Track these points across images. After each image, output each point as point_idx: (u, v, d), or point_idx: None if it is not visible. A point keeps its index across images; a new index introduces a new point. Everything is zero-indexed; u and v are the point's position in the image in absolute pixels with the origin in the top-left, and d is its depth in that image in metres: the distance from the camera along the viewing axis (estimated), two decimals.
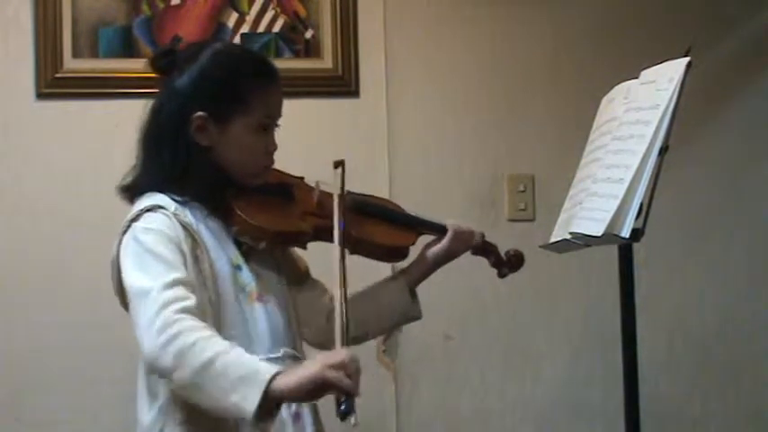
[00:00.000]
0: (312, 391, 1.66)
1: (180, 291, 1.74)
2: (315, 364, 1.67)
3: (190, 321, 1.70)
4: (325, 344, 2.12)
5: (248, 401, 1.63)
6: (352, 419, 1.65)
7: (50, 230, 2.82)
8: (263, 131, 1.95)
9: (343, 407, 1.65)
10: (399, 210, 2.19)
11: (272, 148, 1.97)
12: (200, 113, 1.90)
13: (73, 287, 2.81)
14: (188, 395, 1.73)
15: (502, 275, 2.26)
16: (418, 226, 2.16)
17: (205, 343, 1.68)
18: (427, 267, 2.15)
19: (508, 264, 2.25)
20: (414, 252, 2.16)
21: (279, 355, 1.91)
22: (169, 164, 1.91)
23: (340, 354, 1.70)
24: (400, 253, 2.13)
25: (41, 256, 2.81)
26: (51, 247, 2.82)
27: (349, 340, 1.76)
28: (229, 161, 1.93)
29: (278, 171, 2.05)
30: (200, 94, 1.90)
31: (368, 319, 2.12)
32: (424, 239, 2.17)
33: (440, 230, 2.16)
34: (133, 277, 1.79)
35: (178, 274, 1.77)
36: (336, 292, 1.82)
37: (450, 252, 2.15)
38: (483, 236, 2.21)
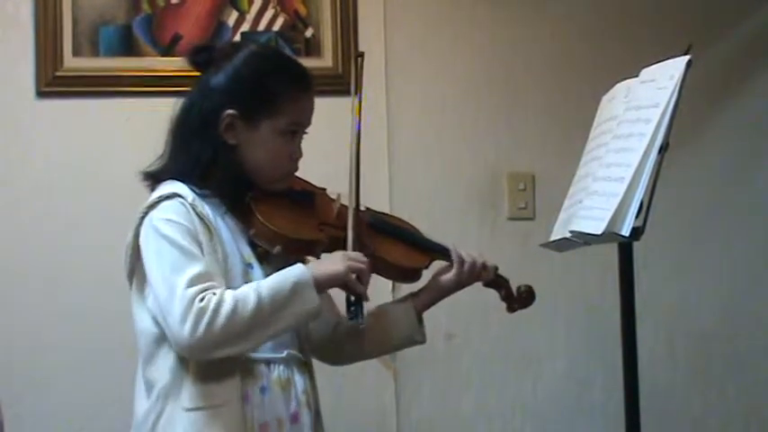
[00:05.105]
0: (334, 285, 1.90)
1: (203, 284, 1.78)
2: (341, 262, 1.88)
3: (215, 297, 1.77)
4: (324, 355, 2.15)
5: (308, 303, 1.83)
6: (360, 321, 1.91)
7: (50, 228, 2.82)
8: (290, 137, 1.97)
9: (353, 309, 1.90)
10: (416, 231, 2.18)
11: (296, 155, 1.99)
12: (230, 111, 1.92)
13: (73, 285, 2.80)
14: (253, 342, 1.83)
15: (511, 310, 2.22)
16: (434, 250, 2.15)
17: (241, 297, 1.79)
18: (436, 294, 2.15)
19: (518, 300, 2.21)
20: (425, 276, 2.16)
21: (282, 355, 1.92)
22: (195, 157, 1.93)
23: (362, 259, 1.91)
24: (414, 274, 2.13)
25: (41, 254, 2.81)
26: (51, 244, 2.81)
27: (357, 245, 1.95)
28: (253, 162, 1.95)
29: (301, 179, 2.07)
30: (232, 93, 1.93)
31: (372, 337, 2.12)
32: (437, 264, 2.16)
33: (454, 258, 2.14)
34: (158, 272, 1.82)
35: (201, 267, 1.81)
36: (350, 205, 2.00)
37: (461, 283, 2.14)
38: (496, 269, 2.18)
